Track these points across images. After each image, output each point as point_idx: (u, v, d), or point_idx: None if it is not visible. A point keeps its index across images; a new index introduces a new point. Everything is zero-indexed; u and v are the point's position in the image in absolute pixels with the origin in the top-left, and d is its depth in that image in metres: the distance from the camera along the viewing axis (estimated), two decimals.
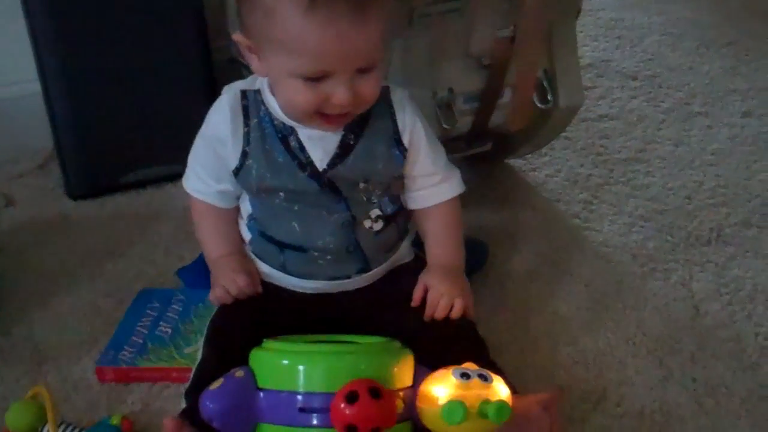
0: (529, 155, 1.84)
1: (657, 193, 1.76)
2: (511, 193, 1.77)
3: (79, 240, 1.68)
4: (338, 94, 1.12)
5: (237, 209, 1.33)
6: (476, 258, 1.53)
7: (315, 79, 1.12)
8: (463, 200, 1.71)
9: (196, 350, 1.33)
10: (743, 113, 2.04)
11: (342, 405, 1.00)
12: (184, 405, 1.19)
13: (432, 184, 1.30)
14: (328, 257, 1.27)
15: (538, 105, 1.55)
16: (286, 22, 1.09)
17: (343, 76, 1.12)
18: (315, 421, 1.03)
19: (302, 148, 1.22)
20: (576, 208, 1.71)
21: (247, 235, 1.33)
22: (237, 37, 1.19)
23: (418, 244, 1.35)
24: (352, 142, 1.22)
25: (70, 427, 1.21)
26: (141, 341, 1.39)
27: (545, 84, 1.55)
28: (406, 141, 1.25)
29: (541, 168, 1.84)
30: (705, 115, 2.03)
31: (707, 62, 2.27)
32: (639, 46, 2.35)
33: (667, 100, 2.09)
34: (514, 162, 1.85)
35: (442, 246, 1.32)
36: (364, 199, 1.26)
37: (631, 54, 2.32)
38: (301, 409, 1.04)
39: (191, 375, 1.24)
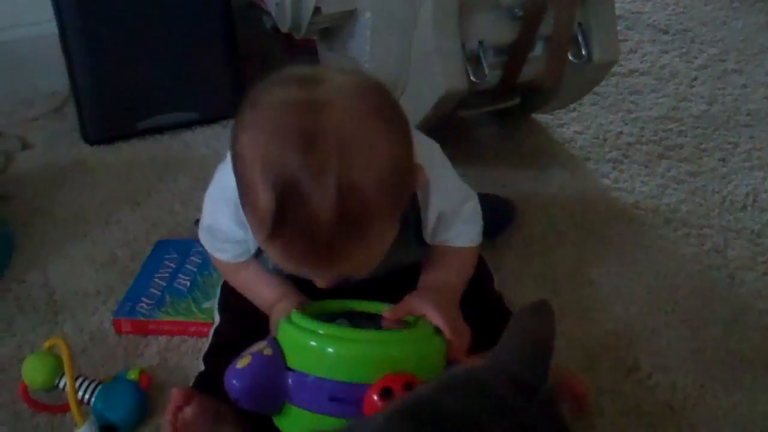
0: (557, 111, 1.79)
1: (690, 154, 1.70)
2: (539, 149, 1.72)
3: (95, 186, 1.64)
4: (318, 283, 1.05)
5: None
6: (502, 217, 1.49)
7: None
8: (489, 156, 1.69)
9: (215, 305, 1.30)
10: None
11: (375, 398, 0.96)
12: (202, 368, 1.17)
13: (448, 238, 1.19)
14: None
15: (572, 59, 1.50)
16: (256, 233, 1.01)
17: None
18: (345, 412, 0.98)
19: None
20: (606, 167, 1.66)
21: None
22: None
23: None
24: None
25: (87, 381, 1.19)
26: (159, 293, 1.37)
27: (579, 38, 1.49)
28: (427, 237, 1.16)
29: (569, 124, 1.79)
30: (740, 73, 1.97)
31: (741, 17, 2.20)
32: None
33: (700, 56, 2.03)
34: (541, 117, 1.80)
35: (442, 262, 1.17)
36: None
37: (663, 6, 2.25)
38: (332, 398, 0.99)
39: (209, 338, 1.22)
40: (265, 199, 0.93)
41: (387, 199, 0.95)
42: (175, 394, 1.07)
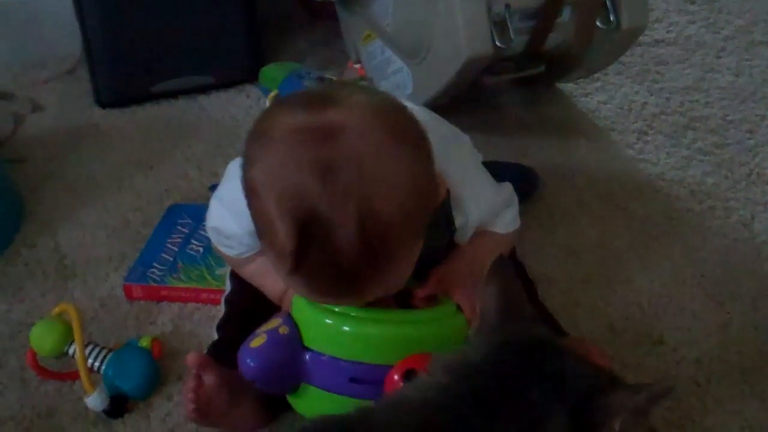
0: (581, 80, 1.74)
1: (716, 126, 1.66)
2: (562, 119, 1.69)
3: (108, 150, 1.62)
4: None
5: None
6: (525, 187, 1.45)
7: None
8: (512, 124, 1.66)
9: (228, 272, 1.27)
10: None
11: (397, 379, 0.93)
12: (216, 337, 1.15)
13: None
14: None
15: (599, 26, 1.46)
16: (276, 267, 0.96)
17: None
18: (366, 393, 0.95)
19: None
20: (630, 138, 1.62)
21: None
22: None
23: None
24: None
25: (98, 349, 1.16)
26: (171, 259, 1.34)
27: (608, 3, 1.45)
28: (460, 240, 1.11)
29: (593, 94, 1.74)
30: (767, 45, 1.92)
31: None
32: None
33: (727, 27, 1.97)
34: (565, 87, 1.76)
35: (476, 241, 1.13)
36: None
37: None
38: (352, 379, 0.96)
39: (222, 306, 1.19)
40: (284, 235, 0.88)
41: (410, 221, 0.92)
42: (191, 358, 1.04)
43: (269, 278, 1.12)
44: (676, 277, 1.32)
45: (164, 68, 1.72)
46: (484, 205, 1.10)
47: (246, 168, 0.93)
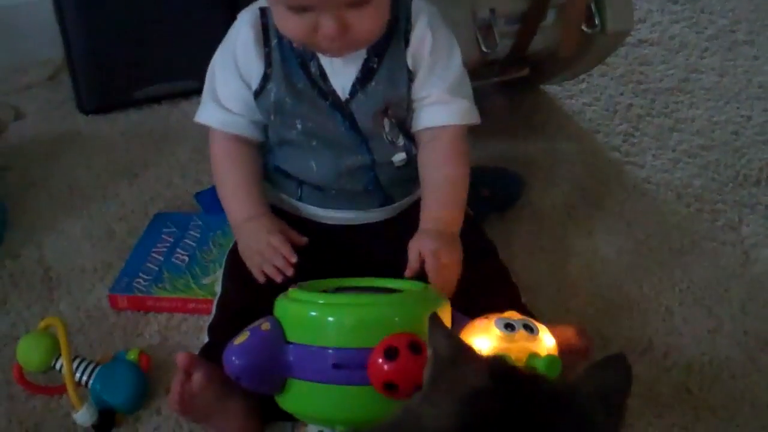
0: (566, 82, 1.74)
1: (702, 127, 1.66)
2: (547, 121, 1.68)
3: (92, 158, 1.60)
4: (324, 27, 1.03)
5: (262, 154, 1.23)
6: (510, 191, 1.46)
7: (300, 9, 1.03)
8: (496, 129, 1.65)
9: (215, 281, 1.28)
10: None
11: (380, 361, 0.93)
12: (207, 340, 1.14)
13: (430, 102, 1.15)
14: (347, 195, 1.21)
15: (584, 29, 1.46)
16: None
17: (328, 10, 1.02)
18: (351, 378, 0.96)
19: (323, 75, 1.13)
20: (616, 140, 1.62)
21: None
22: None
23: None
24: (375, 66, 1.13)
25: (85, 362, 1.15)
26: (156, 268, 1.33)
27: (593, 6, 1.45)
28: (410, 63, 1.14)
29: (578, 96, 1.74)
30: (751, 45, 1.92)
31: None
32: None
33: (711, 27, 1.98)
34: (550, 89, 1.75)
35: (437, 195, 1.15)
36: (389, 140, 1.17)
37: None
38: (336, 365, 0.97)
39: (213, 309, 1.18)
40: None
41: None
42: (181, 358, 1.03)
43: (243, 195, 1.18)
44: (663, 282, 1.32)
45: (147, 73, 1.71)
46: (439, 25, 1.15)
47: None
